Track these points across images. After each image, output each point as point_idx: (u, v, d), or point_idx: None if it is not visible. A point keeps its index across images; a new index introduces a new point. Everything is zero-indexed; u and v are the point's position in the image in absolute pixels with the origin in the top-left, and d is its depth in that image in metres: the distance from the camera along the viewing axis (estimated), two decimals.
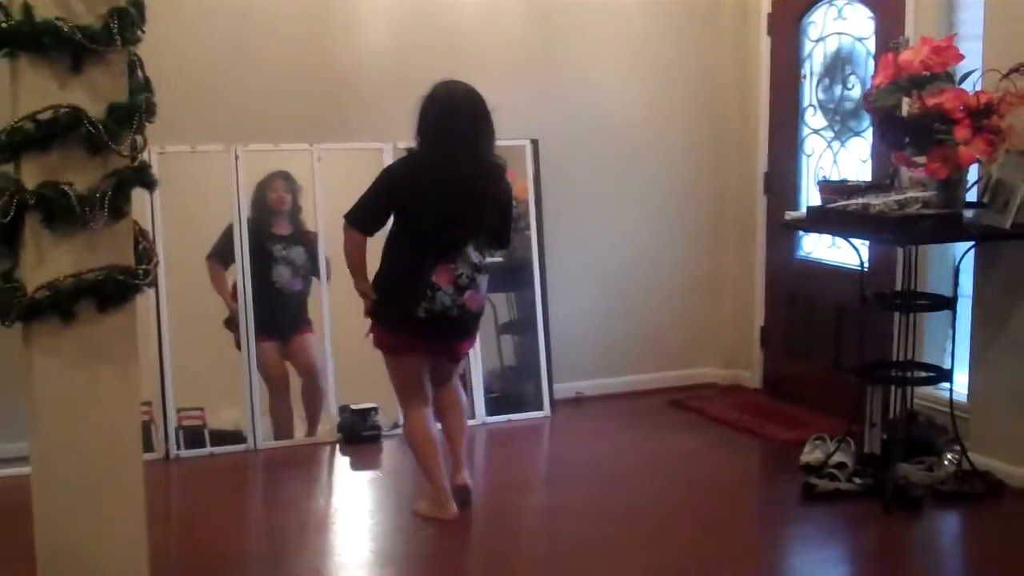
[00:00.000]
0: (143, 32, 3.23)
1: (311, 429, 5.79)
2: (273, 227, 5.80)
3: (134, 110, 3.20)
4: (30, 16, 3.03)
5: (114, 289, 3.24)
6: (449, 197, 4.47)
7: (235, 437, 5.64)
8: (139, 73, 3.29)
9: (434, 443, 4.72)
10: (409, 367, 4.68)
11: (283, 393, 5.79)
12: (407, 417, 4.79)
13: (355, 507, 5.07)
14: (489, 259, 4.69)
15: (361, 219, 4.56)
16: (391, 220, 4.61)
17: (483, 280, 4.62)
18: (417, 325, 4.52)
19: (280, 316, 5.80)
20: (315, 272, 5.82)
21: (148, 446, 5.16)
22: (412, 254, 4.51)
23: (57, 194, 3.11)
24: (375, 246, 4.63)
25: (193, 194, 5.63)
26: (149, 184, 3.32)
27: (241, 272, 5.65)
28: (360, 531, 4.76)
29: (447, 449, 4.83)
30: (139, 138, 3.25)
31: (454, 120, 4.46)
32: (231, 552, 4.46)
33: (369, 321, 4.67)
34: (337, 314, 5.72)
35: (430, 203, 4.48)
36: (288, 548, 4.51)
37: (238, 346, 5.68)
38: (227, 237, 5.68)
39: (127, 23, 3.15)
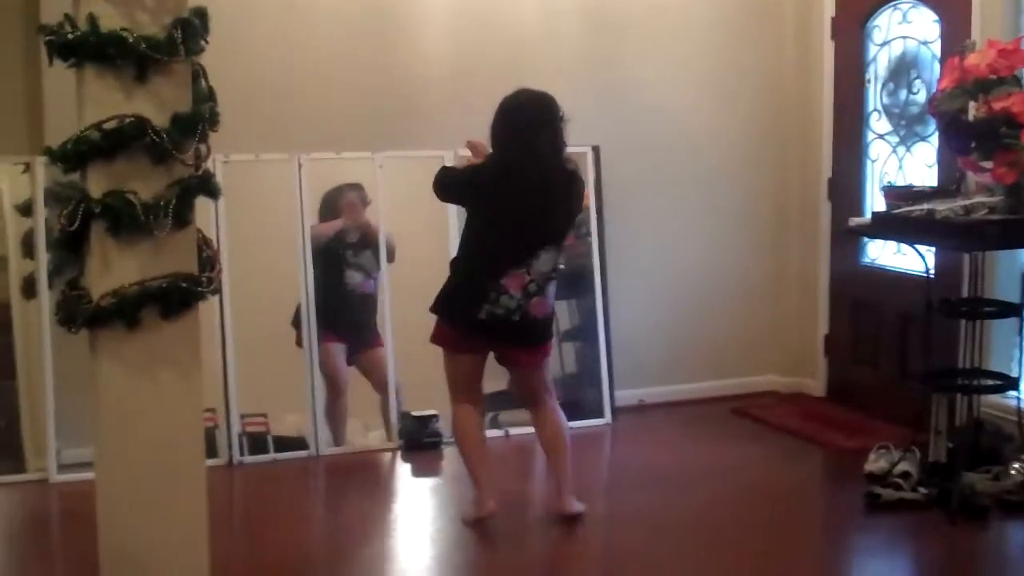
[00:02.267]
0: (207, 42, 3.26)
1: (389, 436, 5.83)
2: (344, 236, 5.84)
3: (198, 119, 3.22)
4: (96, 27, 3.07)
5: (178, 296, 3.27)
6: (520, 203, 4.49)
7: (298, 443, 5.68)
8: (203, 83, 3.31)
9: (475, 441, 4.74)
10: (462, 365, 4.68)
11: (340, 395, 5.83)
12: (452, 412, 4.81)
13: (415, 514, 5.09)
14: (560, 266, 4.69)
15: (441, 190, 4.71)
16: (467, 220, 4.72)
17: (552, 287, 4.61)
18: (476, 327, 4.53)
19: (352, 320, 5.85)
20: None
21: (212, 452, 5.20)
22: (486, 256, 4.54)
23: (122, 203, 3.14)
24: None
25: (256, 202, 5.69)
26: (213, 193, 3.35)
27: (304, 275, 5.69)
28: (420, 538, 4.77)
29: (550, 474, 4.84)
30: (203, 147, 3.27)
31: (518, 126, 4.50)
32: (291, 558, 4.49)
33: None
34: (398, 319, 5.74)
35: (501, 208, 4.52)
36: (348, 554, 4.53)
37: (299, 343, 5.72)
38: (325, 204, 5.82)
39: (191, 33, 3.18)
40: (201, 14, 3.24)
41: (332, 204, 5.84)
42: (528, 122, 4.50)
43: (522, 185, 4.48)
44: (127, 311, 3.22)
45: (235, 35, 5.32)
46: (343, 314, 5.83)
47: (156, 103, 3.18)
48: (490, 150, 4.60)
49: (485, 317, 4.49)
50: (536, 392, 4.78)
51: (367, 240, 5.85)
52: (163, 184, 3.22)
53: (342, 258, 5.83)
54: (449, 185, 4.70)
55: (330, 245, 5.81)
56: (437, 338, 4.69)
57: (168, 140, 3.17)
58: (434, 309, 4.66)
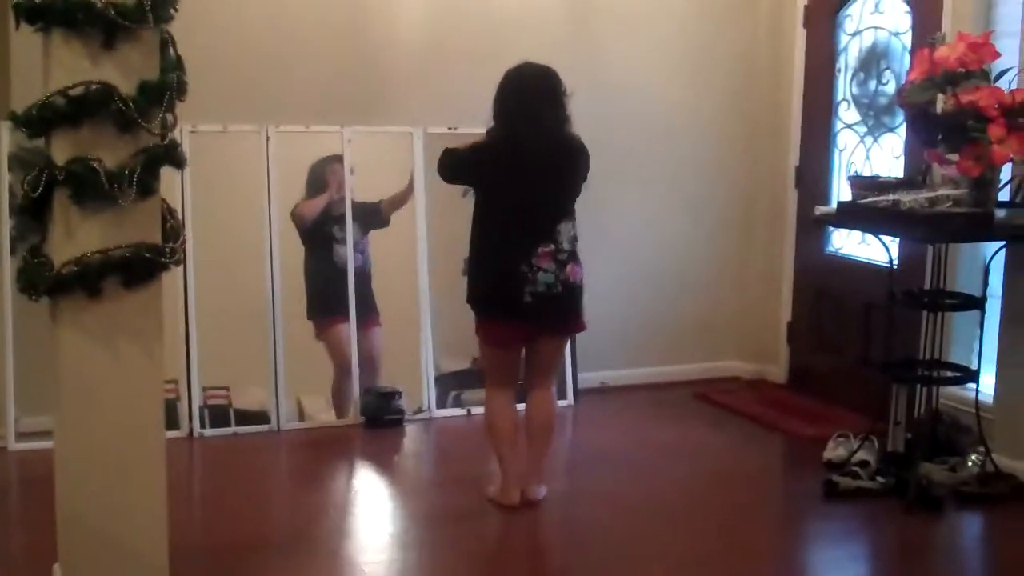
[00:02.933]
0: (176, 10, 3.23)
1: (340, 414, 5.82)
2: (331, 211, 5.81)
3: (165, 88, 3.20)
4: None
5: (141, 266, 3.25)
6: (530, 177, 4.45)
7: (260, 417, 5.66)
8: (171, 51, 3.29)
9: (508, 429, 4.68)
10: (508, 357, 4.64)
11: (349, 375, 5.82)
12: (487, 398, 4.74)
13: (375, 490, 5.08)
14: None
15: (447, 172, 4.64)
16: (476, 204, 4.59)
17: (579, 254, 4.57)
18: (526, 311, 4.46)
19: (346, 297, 5.80)
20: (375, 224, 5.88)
21: (172, 424, 5.19)
22: (505, 241, 4.47)
23: (86, 170, 3.12)
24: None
25: (224, 174, 5.65)
26: (178, 163, 3.33)
27: (270, 257, 5.67)
28: (378, 514, 4.77)
29: (527, 456, 4.77)
30: (169, 116, 3.25)
31: (518, 99, 4.46)
32: (250, 532, 4.48)
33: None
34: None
35: (513, 184, 4.47)
36: (306, 529, 4.51)
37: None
38: (312, 176, 5.80)
39: (160, 1, 3.15)
40: None
41: (319, 177, 5.80)
42: (533, 94, 4.46)
43: (530, 158, 4.44)
44: (89, 280, 3.20)
45: (205, 4, 5.28)
46: (337, 292, 5.78)
47: (123, 70, 3.16)
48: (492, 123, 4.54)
49: (530, 300, 4.44)
50: (550, 371, 4.73)
51: (355, 212, 5.81)
52: (128, 152, 3.20)
53: (330, 234, 5.79)
54: (455, 166, 4.60)
55: (316, 222, 5.77)
56: (485, 337, 4.62)
57: (134, 108, 3.15)
58: (475, 307, 4.60)
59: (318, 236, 5.77)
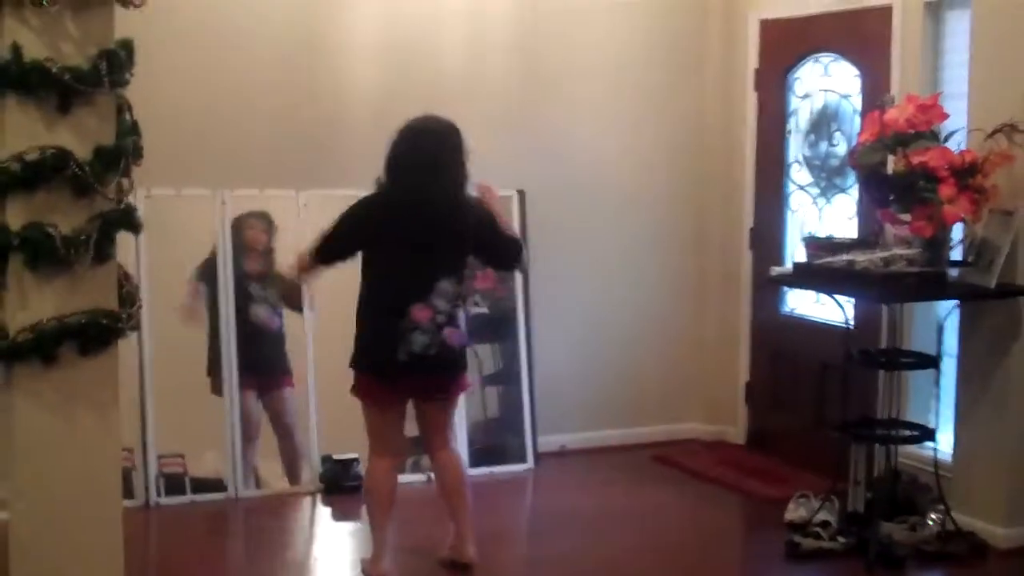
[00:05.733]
0: (132, 75, 3.23)
1: (292, 480, 5.75)
2: (247, 265, 5.75)
3: (121, 152, 3.19)
4: (19, 55, 3.03)
5: (97, 332, 3.22)
6: (412, 231, 4.39)
7: (216, 485, 5.58)
8: (127, 116, 3.28)
9: (383, 496, 4.58)
10: (385, 416, 4.54)
11: (253, 440, 5.75)
12: (369, 463, 4.62)
13: (336, 557, 5.02)
14: (474, 301, 4.65)
15: (324, 250, 4.55)
16: (362, 261, 4.54)
17: (461, 316, 4.49)
18: (400, 370, 4.39)
19: (259, 358, 5.75)
20: (294, 307, 5.80)
21: (128, 493, 5.10)
22: (385, 296, 4.43)
23: (42, 236, 3.10)
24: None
25: (178, 238, 5.62)
26: (134, 227, 3.31)
27: (225, 315, 5.63)
28: None
29: (452, 520, 4.71)
30: (126, 181, 3.24)
31: (411, 153, 4.43)
32: None
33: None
34: (321, 361, 5.69)
35: (390, 238, 4.42)
36: None
37: (215, 391, 5.65)
38: (210, 262, 5.69)
39: (116, 65, 3.15)
40: (127, 46, 3.22)
41: (238, 230, 5.74)
42: (423, 149, 4.43)
43: (411, 214, 4.39)
44: (44, 347, 3.17)
45: (158, 68, 5.23)
46: (251, 352, 5.71)
47: (79, 135, 3.15)
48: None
49: (405, 358, 4.37)
50: (442, 431, 4.65)
51: (275, 277, 5.76)
52: (84, 217, 3.18)
53: (247, 292, 5.73)
54: (332, 237, 4.53)
55: (236, 278, 5.71)
56: (360, 392, 4.53)
57: (90, 173, 3.13)
58: (353, 364, 4.52)
59: (236, 292, 5.69)
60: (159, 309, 5.42)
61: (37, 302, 3.17)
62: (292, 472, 5.76)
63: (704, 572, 4.84)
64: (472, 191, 4.56)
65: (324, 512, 5.54)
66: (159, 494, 5.45)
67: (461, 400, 5.01)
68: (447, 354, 4.44)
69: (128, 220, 3.27)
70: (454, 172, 4.45)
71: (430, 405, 4.61)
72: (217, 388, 5.66)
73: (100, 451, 3.32)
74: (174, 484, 5.51)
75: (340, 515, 5.50)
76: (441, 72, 6.08)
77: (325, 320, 5.68)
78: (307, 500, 5.63)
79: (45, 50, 3.08)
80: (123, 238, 3.34)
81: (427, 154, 4.42)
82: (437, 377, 4.51)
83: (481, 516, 5.50)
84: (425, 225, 4.40)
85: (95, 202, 3.18)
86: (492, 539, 5.16)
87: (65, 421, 3.26)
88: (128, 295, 3.37)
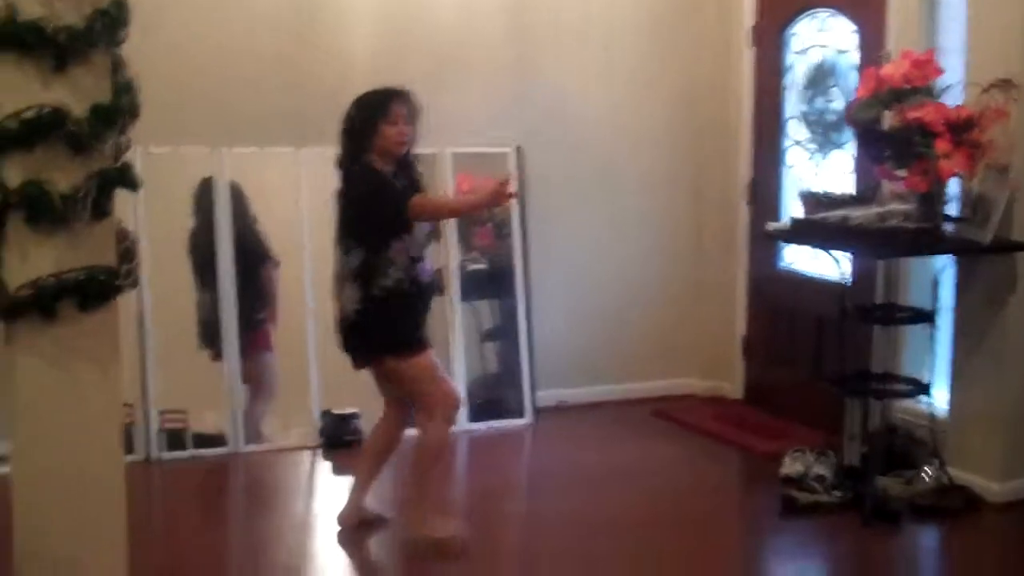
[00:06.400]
0: (127, 33, 3.23)
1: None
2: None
3: (117, 111, 3.19)
4: (13, 15, 3.03)
5: (96, 289, 3.23)
6: (337, 206, 4.49)
7: (217, 440, 5.64)
8: (123, 74, 3.28)
9: (369, 444, 4.81)
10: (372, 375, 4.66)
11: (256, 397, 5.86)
12: None
13: (334, 511, 5.07)
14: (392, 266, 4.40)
15: None
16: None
17: (347, 290, 4.40)
18: (339, 334, 4.50)
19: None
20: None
21: (129, 448, 5.15)
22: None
23: (40, 193, 3.10)
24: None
25: (177, 196, 5.65)
26: (132, 184, 3.31)
27: (224, 275, 5.67)
28: (337, 536, 4.76)
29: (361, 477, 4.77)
30: (123, 138, 3.24)
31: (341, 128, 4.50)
32: (210, 554, 4.48)
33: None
34: (323, 313, 5.71)
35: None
36: (266, 552, 4.52)
37: (216, 358, 5.71)
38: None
39: (111, 24, 3.14)
40: (121, 4, 3.21)
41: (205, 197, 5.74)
42: (346, 123, 4.48)
43: (339, 189, 4.48)
44: (44, 303, 3.18)
45: (157, 26, 5.26)
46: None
47: (75, 94, 3.14)
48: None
49: (337, 325, 4.48)
50: (403, 397, 4.61)
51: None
52: (82, 175, 3.18)
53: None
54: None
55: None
56: None
57: (87, 131, 3.14)
58: None
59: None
60: (159, 265, 5.45)
61: (36, 259, 3.17)
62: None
63: (701, 526, 4.88)
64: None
65: (323, 467, 5.59)
66: (160, 449, 5.50)
67: (460, 353, 4.91)
68: (343, 323, 4.46)
69: (125, 177, 3.27)
70: (340, 143, 4.48)
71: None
72: (218, 354, 5.71)
73: (101, 405, 3.33)
74: (175, 439, 5.56)
75: (339, 469, 5.54)
76: (437, 31, 6.08)
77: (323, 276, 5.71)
78: (307, 455, 5.67)
79: (40, 9, 3.07)
80: (121, 195, 3.36)
81: (345, 130, 4.47)
82: (353, 344, 4.49)
83: (479, 471, 5.59)
84: (337, 198, 4.48)
85: (92, 160, 3.17)
86: (491, 494, 5.24)
87: (66, 376, 3.27)
88: (127, 251, 3.37)
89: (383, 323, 4.39)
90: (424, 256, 4.51)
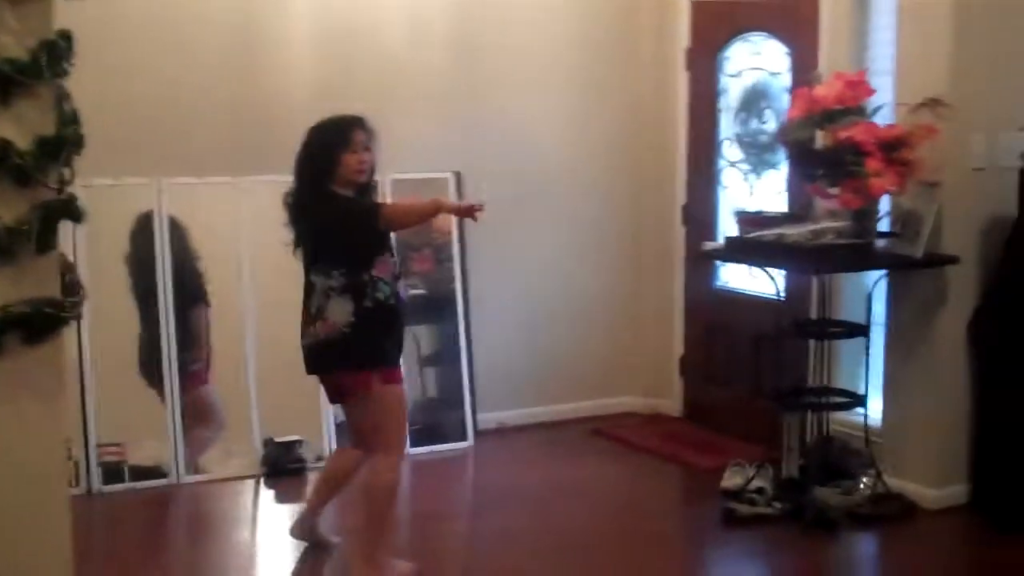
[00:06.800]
0: (72, 65, 3.23)
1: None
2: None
3: (62, 143, 3.19)
4: None
5: (41, 322, 3.21)
6: (296, 231, 4.44)
7: (154, 472, 5.59)
8: (67, 106, 3.28)
9: (327, 471, 4.85)
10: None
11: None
12: None
13: (279, 540, 5.05)
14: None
15: None
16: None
17: (333, 304, 4.28)
18: (305, 359, 4.42)
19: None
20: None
21: (70, 481, 5.09)
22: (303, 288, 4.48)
23: None
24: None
25: (117, 228, 5.61)
26: (76, 217, 3.29)
27: (164, 309, 5.65)
28: (285, 564, 4.75)
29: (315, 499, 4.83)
30: (67, 171, 3.23)
31: (299, 154, 4.45)
32: None
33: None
34: (263, 341, 5.72)
35: (295, 236, 4.48)
36: None
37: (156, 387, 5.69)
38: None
39: (56, 56, 3.13)
40: (66, 36, 3.20)
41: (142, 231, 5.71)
42: (305, 149, 4.42)
43: (294, 214, 4.44)
44: None
45: (96, 57, 5.19)
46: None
47: (20, 126, 3.13)
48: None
49: (303, 350, 4.40)
50: (363, 438, 4.51)
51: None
52: (26, 208, 3.16)
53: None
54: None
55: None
56: None
57: (32, 163, 3.12)
58: None
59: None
60: (97, 299, 5.39)
61: None
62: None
63: (646, 540, 4.93)
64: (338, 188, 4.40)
65: (267, 495, 5.56)
66: (99, 483, 5.45)
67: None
68: (313, 347, 4.34)
69: (70, 210, 3.25)
70: (300, 170, 4.40)
71: (336, 402, 4.59)
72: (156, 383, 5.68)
73: (47, 440, 3.30)
74: (112, 473, 5.50)
75: (283, 498, 5.53)
76: (379, 57, 6.10)
77: (269, 303, 5.71)
78: (249, 484, 5.64)
79: None
80: (61, 228, 3.34)
81: (305, 155, 4.41)
82: (321, 372, 4.45)
83: (422, 494, 5.59)
84: (296, 224, 4.42)
85: (37, 192, 3.16)
86: (434, 516, 5.25)
87: (11, 411, 3.24)
88: (71, 284, 3.37)
89: (373, 335, 4.33)
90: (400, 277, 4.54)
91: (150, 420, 5.64)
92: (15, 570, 3.30)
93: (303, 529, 4.78)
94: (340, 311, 4.27)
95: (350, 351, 4.30)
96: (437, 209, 4.67)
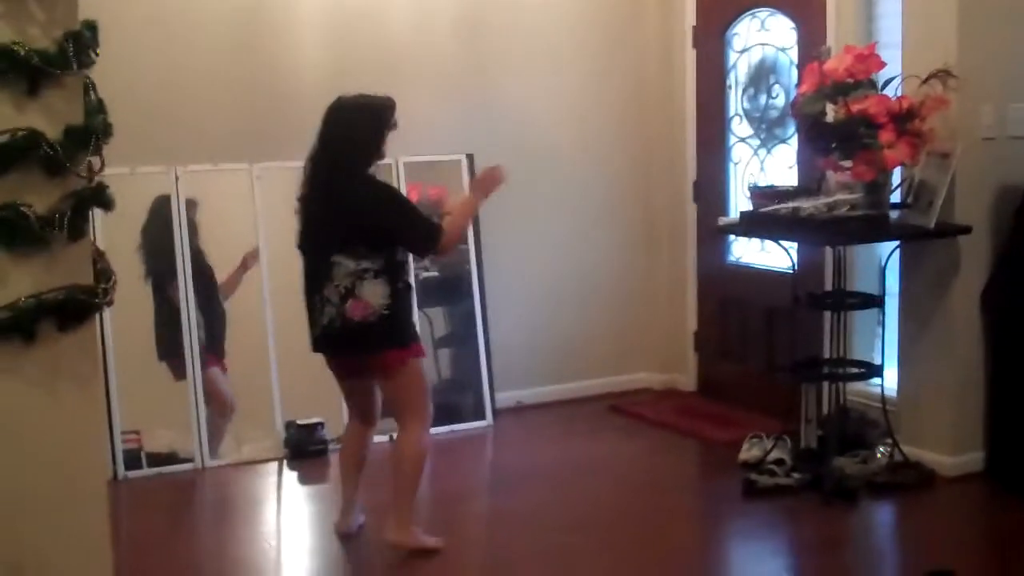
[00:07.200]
0: (97, 54, 3.27)
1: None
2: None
3: (91, 132, 3.23)
4: None
5: (75, 308, 3.26)
6: (310, 211, 4.44)
7: (170, 459, 5.65)
8: (92, 95, 3.32)
9: (346, 457, 4.80)
10: (344, 386, 4.71)
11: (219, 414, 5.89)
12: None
13: (303, 522, 5.12)
14: (412, 269, 4.53)
15: None
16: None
17: (367, 286, 4.32)
18: (322, 343, 4.47)
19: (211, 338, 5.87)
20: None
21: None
22: (306, 273, 4.48)
23: (18, 216, 3.12)
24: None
25: (132, 215, 5.65)
26: (107, 204, 3.33)
27: (184, 294, 5.70)
28: (308, 546, 4.82)
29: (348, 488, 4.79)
30: (96, 159, 3.27)
31: (320, 132, 4.44)
32: (190, 567, 4.53)
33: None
34: (282, 325, 5.75)
35: (305, 217, 4.48)
36: (238, 565, 4.54)
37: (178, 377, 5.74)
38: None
39: (82, 46, 3.17)
40: (91, 27, 3.24)
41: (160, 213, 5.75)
42: (331, 128, 4.41)
43: (313, 194, 4.43)
44: (24, 325, 3.20)
45: (110, 47, 5.26)
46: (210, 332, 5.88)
47: (49, 116, 3.17)
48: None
49: (320, 333, 4.43)
50: (394, 409, 4.59)
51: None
52: (57, 196, 3.21)
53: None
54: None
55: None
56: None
57: (62, 153, 3.17)
58: None
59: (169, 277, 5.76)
60: (118, 285, 5.44)
61: (15, 281, 3.18)
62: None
63: (666, 515, 4.99)
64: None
65: (290, 477, 5.62)
66: (123, 469, 5.51)
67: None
68: (348, 329, 4.35)
69: (100, 198, 3.30)
70: (340, 149, 4.39)
71: (360, 380, 4.61)
72: (179, 373, 5.73)
73: (84, 424, 3.34)
74: (130, 460, 5.55)
75: (306, 479, 5.59)
76: (388, 41, 6.14)
77: (283, 290, 5.75)
78: (273, 467, 5.70)
79: (12, 34, 3.10)
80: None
81: (321, 133, 4.43)
82: (346, 351, 4.47)
83: (442, 473, 5.63)
84: (318, 203, 4.41)
85: (68, 181, 3.20)
86: (454, 496, 5.29)
87: (47, 396, 3.29)
88: (102, 271, 3.41)
89: (408, 313, 4.56)
90: None
91: (166, 407, 5.71)
92: (57, 555, 3.35)
93: (347, 523, 4.73)
94: (375, 293, 4.32)
95: (394, 330, 4.39)
96: (474, 208, 4.73)
